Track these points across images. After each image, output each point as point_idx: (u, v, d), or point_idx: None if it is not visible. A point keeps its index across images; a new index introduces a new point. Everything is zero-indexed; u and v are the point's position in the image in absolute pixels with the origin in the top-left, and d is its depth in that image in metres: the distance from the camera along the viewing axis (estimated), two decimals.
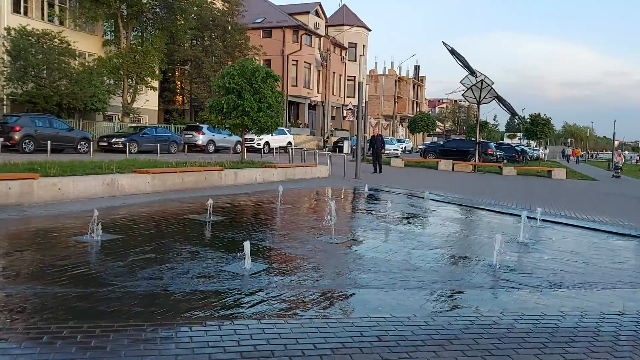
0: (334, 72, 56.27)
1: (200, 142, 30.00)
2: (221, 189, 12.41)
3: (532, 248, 7.64)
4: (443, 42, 29.59)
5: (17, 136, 20.69)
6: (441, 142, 44.05)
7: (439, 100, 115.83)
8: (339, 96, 58.21)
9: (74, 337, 3.53)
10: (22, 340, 3.50)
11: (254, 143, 31.37)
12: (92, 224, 6.43)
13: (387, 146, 41.42)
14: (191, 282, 4.93)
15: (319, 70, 53.51)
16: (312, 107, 54.41)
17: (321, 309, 4.45)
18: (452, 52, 29.56)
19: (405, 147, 53.10)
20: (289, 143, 35.14)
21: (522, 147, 49.05)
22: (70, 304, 4.23)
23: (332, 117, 58.08)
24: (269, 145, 32.95)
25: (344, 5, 62.39)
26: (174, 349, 3.46)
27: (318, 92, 54.02)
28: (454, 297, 5.10)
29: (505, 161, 34.77)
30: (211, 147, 30.32)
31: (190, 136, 30.12)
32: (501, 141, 69.25)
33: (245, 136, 19.42)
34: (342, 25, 56.91)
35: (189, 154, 26.35)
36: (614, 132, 58.90)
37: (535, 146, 62.88)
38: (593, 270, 6.52)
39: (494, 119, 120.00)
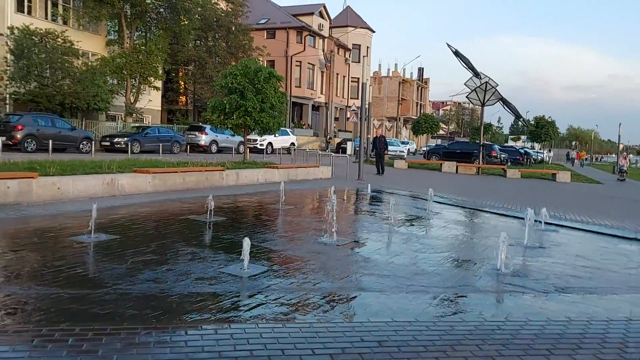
0: (337, 74, 56.20)
1: (203, 143, 29.96)
2: (222, 190, 12.32)
3: (536, 252, 7.51)
4: (447, 43, 29.54)
5: (19, 135, 20.69)
6: (445, 145, 43.89)
7: (443, 102, 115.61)
8: (343, 97, 58.14)
9: (65, 340, 3.42)
10: (12, 343, 3.41)
11: (257, 144, 31.34)
12: (91, 223, 6.34)
13: (392, 148, 41.32)
14: (188, 284, 4.83)
15: (322, 72, 53.46)
16: (316, 108, 54.34)
17: (321, 312, 4.34)
18: (456, 53, 29.44)
19: (408, 149, 52.96)
20: (292, 144, 35.10)
21: (525, 149, 48.86)
22: (64, 305, 4.13)
23: (336, 119, 58.03)
24: (272, 146, 32.90)
25: (348, 6, 62.39)
26: (168, 353, 3.35)
27: (322, 93, 53.96)
28: (457, 301, 4.98)
29: (509, 164, 34.60)
30: (214, 148, 30.28)
31: (193, 136, 30.09)
32: (505, 144, 69.04)
33: (248, 137, 19.36)
34: (346, 26, 56.86)
35: (192, 154, 26.30)
36: (619, 135, 58.72)
37: (540, 149, 62.69)
38: (599, 275, 6.39)
39: (498, 121, 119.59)
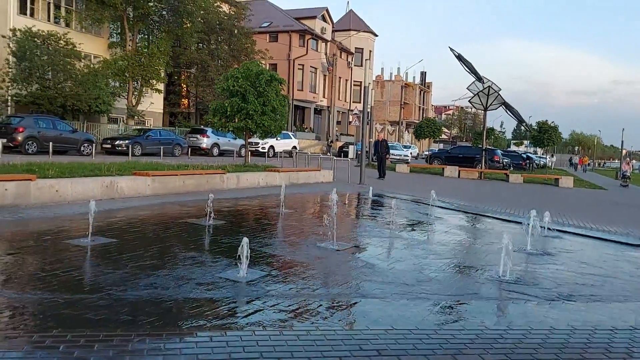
0: (340, 77, 56.18)
1: (204, 145, 29.89)
2: (223, 193, 12.23)
3: (539, 258, 7.42)
4: (450, 47, 29.40)
5: (20, 137, 20.63)
6: (447, 149, 43.76)
7: (445, 107, 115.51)
8: (345, 101, 58.09)
9: (56, 347, 3.34)
10: (0, 349, 3.32)
11: (258, 147, 31.25)
12: (89, 226, 6.27)
13: (396, 152, 41.20)
14: (185, 289, 4.74)
15: (325, 75, 53.42)
16: (318, 111, 54.30)
17: (320, 320, 4.25)
18: (459, 58, 29.35)
19: (410, 153, 52.78)
20: (294, 147, 35.02)
21: (527, 154, 48.69)
22: (57, 310, 4.04)
23: (338, 122, 57.98)
24: (274, 149, 32.81)
25: (351, 10, 62.36)
26: None
27: (324, 97, 53.92)
28: (459, 308, 4.88)
29: (511, 168, 34.48)
30: (215, 151, 30.21)
31: (195, 139, 30.01)
32: (508, 148, 68.90)
33: (250, 140, 19.28)
34: (349, 30, 56.87)
35: (193, 157, 26.22)
36: (622, 141, 58.43)
37: (542, 154, 62.49)
38: (603, 282, 6.28)
39: (501, 126, 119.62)
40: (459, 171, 27.99)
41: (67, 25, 29.71)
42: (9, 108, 25.81)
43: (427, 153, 47.09)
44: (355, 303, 4.81)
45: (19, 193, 8.40)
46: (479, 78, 29.23)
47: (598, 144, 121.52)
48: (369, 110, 24.53)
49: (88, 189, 9.58)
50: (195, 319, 4.05)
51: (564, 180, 26.82)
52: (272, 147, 32.74)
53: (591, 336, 4.29)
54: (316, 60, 50.40)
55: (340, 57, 56.12)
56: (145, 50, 31.29)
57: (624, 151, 66.94)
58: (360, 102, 40.94)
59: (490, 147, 39.58)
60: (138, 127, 29.54)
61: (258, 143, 30.61)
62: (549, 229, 9.56)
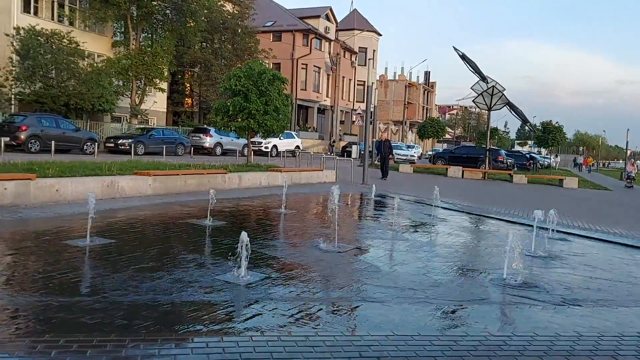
0: (343, 77, 56.04)
1: (207, 145, 29.84)
2: (224, 193, 12.14)
3: (544, 261, 7.30)
4: (454, 47, 29.26)
5: (22, 136, 20.61)
6: (451, 149, 43.57)
7: (449, 107, 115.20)
8: (349, 101, 57.95)
9: (47, 352, 3.25)
10: None
11: (261, 146, 31.20)
12: (87, 227, 6.19)
13: (401, 152, 41.05)
14: (182, 293, 4.65)
15: (328, 75, 53.32)
16: (321, 111, 54.20)
17: (319, 324, 4.15)
18: (463, 57, 29.19)
19: (415, 153, 52.51)
20: (297, 147, 34.97)
21: (531, 154, 48.45)
22: (51, 314, 3.96)
23: (341, 122, 57.87)
24: (277, 149, 32.74)
25: (355, 9, 62.21)
26: None
27: (327, 96, 53.82)
28: (462, 313, 4.77)
29: (515, 169, 34.31)
30: (218, 150, 30.16)
31: (198, 139, 29.97)
32: (512, 149, 68.64)
33: (253, 139, 19.19)
34: (353, 29, 56.68)
35: (196, 156, 26.17)
36: (627, 141, 58.24)
37: (546, 154, 62.27)
38: (609, 286, 6.17)
39: (505, 126, 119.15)
40: (463, 171, 27.87)
41: (71, 24, 29.73)
42: (12, 106, 25.81)
43: (430, 153, 46.87)
44: (356, 307, 4.71)
45: (18, 192, 8.34)
46: (483, 78, 29.06)
47: (602, 144, 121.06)
48: (372, 109, 24.43)
49: (88, 189, 9.48)
50: (192, 323, 3.96)
51: (569, 181, 26.66)
52: (275, 146, 32.68)
53: (598, 343, 4.18)
54: (320, 60, 50.30)
55: (344, 56, 55.99)
56: (149, 49, 31.24)
57: (628, 152, 66.71)
58: (363, 102, 40.90)
59: (494, 147, 39.43)
60: (141, 126, 29.51)
61: (261, 142, 30.56)
62: (554, 230, 9.44)
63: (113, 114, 30.47)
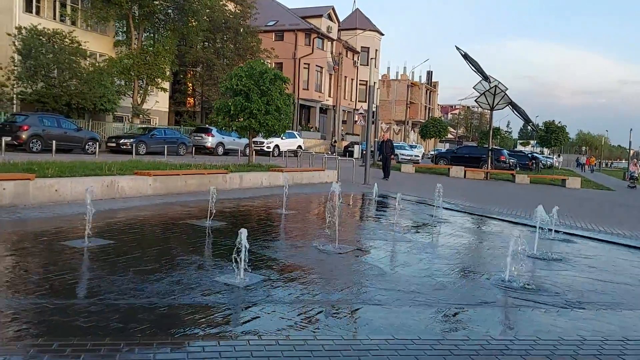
0: (345, 76, 55.95)
1: (209, 145, 29.80)
2: (225, 193, 12.08)
3: (547, 263, 7.23)
4: (456, 46, 29.20)
5: (24, 135, 20.59)
6: (453, 149, 43.42)
7: (451, 106, 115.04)
8: (351, 100, 57.87)
9: (40, 356, 3.20)
10: None
11: (263, 146, 31.14)
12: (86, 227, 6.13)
13: (405, 152, 40.96)
14: (180, 295, 4.59)
15: (330, 74, 53.23)
16: (324, 111, 54.12)
17: (318, 328, 4.08)
18: (465, 56, 29.11)
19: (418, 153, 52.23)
20: (299, 147, 34.91)
21: (533, 154, 48.28)
22: (45, 317, 3.90)
23: (344, 122, 57.78)
24: (279, 149, 32.69)
25: (357, 9, 62.11)
26: None
27: (329, 96, 53.73)
28: (463, 316, 4.70)
29: (518, 169, 34.20)
30: (220, 150, 30.12)
31: (200, 138, 29.94)
32: (514, 149, 68.45)
33: (255, 139, 19.13)
34: (355, 29, 56.57)
35: (198, 156, 26.12)
36: (630, 141, 58.04)
37: (549, 154, 62.09)
38: (613, 289, 6.08)
39: (507, 126, 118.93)
40: (465, 171, 27.78)
41: (73, 23, 29.71)
42: (14, 106, 25.80)
43: (432, 153, 46.71)
44: (357, 310, 4.64)
45: (17, 192, 8.28)
46: (486, 77, 28.97)
47: (605, 144, 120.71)
48: (374, 109, 24.35)
49: None
50: (189, 326, 3.90)
51: (571, 181, 26.56)
52: (277, 146, 32.62)
53: (601, 347, 4.11)
54: (322, 59, 50.21)
55: (346, 56, 55.89)
56: (151, 48, 31.19)
57: (631, 151, 66.46)
58: (366, 102, 40.84)
59: (496, 147, 39.31)
60: (143, 126, 29.47)
61: (263, 142, 30.50)
62: (557, 231, 9.37)
63: (115, 113, 30.46)
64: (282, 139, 32.00)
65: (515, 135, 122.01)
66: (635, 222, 13.67)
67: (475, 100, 30.41)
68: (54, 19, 28.65)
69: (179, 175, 11.60)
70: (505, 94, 27.95)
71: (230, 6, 38.84)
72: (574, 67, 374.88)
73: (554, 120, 47.62)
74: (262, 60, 17.86)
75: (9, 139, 19.64)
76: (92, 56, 29.60)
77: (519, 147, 78.96)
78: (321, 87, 51.15)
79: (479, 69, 29.39)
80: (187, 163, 15.18)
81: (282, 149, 32.50)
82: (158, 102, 34.04)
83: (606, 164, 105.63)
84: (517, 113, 33.07)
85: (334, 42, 53.11)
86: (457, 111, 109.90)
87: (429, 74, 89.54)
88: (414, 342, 3.89)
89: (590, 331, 4.46)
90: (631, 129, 54.39)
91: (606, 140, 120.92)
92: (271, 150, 31.49)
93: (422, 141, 70.03)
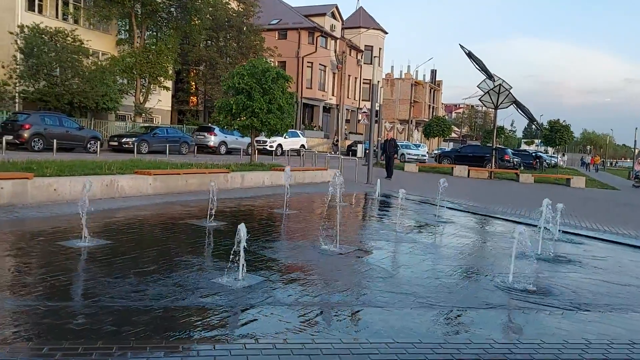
0: (349, 75, 55.82)
1: (211, 144, 29.74)
2: (226, 192, 11.99)
3: (552, 263, 7.11)
4: (460, 45, 29.02)
5: (26, 134, 20.55)
6: (457, 148, 43.24)
7: (455, 105, 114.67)
8: (354, 99, 57.74)
9: None
10: None
11: (266, 145, 31.06)
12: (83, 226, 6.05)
13: (412, 151, 40.82)
14: (176, 297, 4.49)
15: (334, 73, 53.11)
16: (327, 109, 54.01)
17: (316, 331, 3.98)
18: (470, 55, 28.94)
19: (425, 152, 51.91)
20: (302, 146, 34.80)
21: (538, 153, 48.04)
22: (37, 319, 3.81)
23: (347, 121, 57.65)
24: (282, 148, 32.61)
25: (361, 7, 61.98)
26: None
27: (333, 95, 53.61)
28: (465, 319, 4.59)
29: (522, 168, 34.03)
30: (223, 149, 30.04)
31: (202, 137, 29.87)
32: (518, 148, 68.22)
33: (257, 138, 19.05)
34: (359, 27, 56.44)
35: (200, 155, 26.06)
36: (635, 140, 57.76)
37: (553, 153, 61.84)
38: (619, 290, 5.96)
39: (512, 125, 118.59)
40: (469, 170, 27.65)
41: (75, 22, 29.67)
42: (16, 105, 25.78)
43: (436, 152, 46.50)
44: (357, 312, 4.54)
45: (15, 192, 8.21)
46: (490, 76, 28.80)
47: (610, 143, 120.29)
48: (377, 108, 24.24)
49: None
50: (184, 330, 3.80)
51: (576, 180, 26.38)
52: (280, 145, 32.54)
53: (607, 351, 4.00)
54: (325, 58, 50.10)
55: (350, 54, 55.75)
56: (153, 47, 31.15)
57: (636, 150, 66.12)
58: (369, 100, 40.69)
59: (500, 146, 39.14)
60: (145, 125, 29.43)
61: (266, 141, 30.42)
62: (562, 231, 9.24)
63: (117, 112, 30.42)
64: (285, 138, 31.94)
65: (519, 134, 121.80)
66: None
67: (479, 99, 30.25)
68: (57, 17, 28.62)
69: (179, 174, 11.51)
70: (510, 92, 27.78)
71: (234, 4, 38.77)
72: (579, 66, 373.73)
73: (558, 119, 47.53)
74: (264, 59, 17.77)
75: (10, 137, 19.63)
76: (95, 55, 29.57)
77: (523, 146, 78.76)
78: (324, 85, 51.05)
79: (483, 68, 29.22)
80: (189, 162, 15.11)
81: (285, 148, 32.41)
82: (160, 100, 34.00)
83: (611, 163, 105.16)
84: (521, 112, 32.88)
85: (338, 41, 52.99)
86: (461, 110, 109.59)
87: (433, 72, 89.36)
88: (415, 345, 3.79)
89: (596, 334, 4.35)
90: (636, 128, 54.17)
91: (611, 139, 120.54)
92: (274, 149, 31.41)
93: (426, 140, 69.87)
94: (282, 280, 5.30)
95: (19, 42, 24.74)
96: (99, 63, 28.47)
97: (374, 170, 19.39)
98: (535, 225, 8.95)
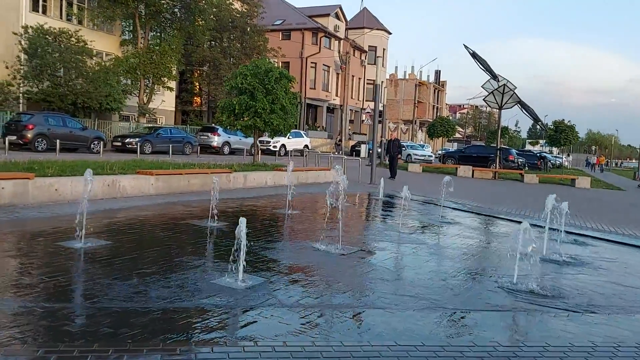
0: (353, 76, 55.70)
1: (215, 144, 29.71)
2: (229, 193, 11.94)
3: (557, 264, 7.02)
4: (464, 45, 28.94)
5: (29, 135, 20.57)
6: (461, 148, 43.11)
7: (460, 106, 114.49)
8: (358, 100, 57.63)
9: None
10: None
11: (269, 145, 31.02)
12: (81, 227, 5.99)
13: (418, 152, 40.73)
14: (175, 298, 4.43)
15: (338, 73, 53.03)
16: (331, 110, 53.93)
17: (317, 334, 3.91)
18: (474, 55, 28.84)
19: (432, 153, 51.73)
20: (306, 146, 34.75)
21: (542, 153, 47.84)
22: (33, 321, 3.75)
23: (351, 121, 57.54)
24: (285, 148, 32.56)
25: (365, 8, 61.88)
26: None
27: (337, 95, 53.53)
28: (469, 321, 4.52)
29: (526, 168, 33.89)
30: (226, 149, 30.01)
31: (206, 137, 29.86)
32: (523, 148, 67.98)
33: (261, 138, 19.00)
34: (363, 28, 56.32)
35: (204, 155, 26.03)
36: None
37: (558, 153, 61.57)
38: (626, 292, 5.87)
39: (516, 125, 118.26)
40: (473, 171, 27.53)
41: (79, 22, 29.72)
42: (20, 105, 25.81)
43: (440, 152, 46.35)
44: (358, 314, 4.47)
45: (16, 192, 8.18)
46: (494, 76, 28.68)
47: (615, 144, 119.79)
48: (381, 108, 24.16)
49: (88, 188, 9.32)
50: (183, 332, 3.74)
51: (581, 181, 26.22)
52: (283, 145, 32.50)
53: (614, 354, 3.92)
54: (329, 59, 50.03)
55: (354, 55, 55.65)
56: (157, 47, 31.16)
57: None
58: (373, 101, 40.59)
59: (505, 147, 38.99)
60: (149, 125, 29.43)
61: (269, 142, 30.38)
62: (567, 232, 9.14)
63: (121, 112, 30.43)
64: (288, 138, 31.90)
65: (524, 134, 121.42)
66: None
67: (483, 99, 30.12)
68: (61, 18, 28.66)
69: (181, 174, 11.47)
70: (514, 92, 27.66)
71: (237, 5, 38.74)
72: (584, 66, 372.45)
73: (563, 120, 47.25)
74: (267, 59, 17.72)
75: (14, 138, 19.65)
76: (99, 55, 29.59)
77: (528, 147, 78.47)
78: (328, 86, 50.98)
79: (487, 68, 29.11)
80: (191, 162, 15.06)
81: (288, 148, 32.38)
82: (164, 101, 34.01)
83: (616, 164, 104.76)
84: (526, 112, 32.72)
85: (341, 41, 52.90)
86: (465, 110, 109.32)
87: (437, 73, 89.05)
88: (417, 348, 3.72)
89: (602, 337, 4.27)
90: None
91: (616, 140, 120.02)
92: (277, 149, 31.37)
93: (430, 140, 69.66)
94: (283, 282, 5.24)
95: (23, 42, 24.78)
96: (103, 64, 28.50)
97: (378, 171, 19.31)
98: (540, 226, 8.87)
